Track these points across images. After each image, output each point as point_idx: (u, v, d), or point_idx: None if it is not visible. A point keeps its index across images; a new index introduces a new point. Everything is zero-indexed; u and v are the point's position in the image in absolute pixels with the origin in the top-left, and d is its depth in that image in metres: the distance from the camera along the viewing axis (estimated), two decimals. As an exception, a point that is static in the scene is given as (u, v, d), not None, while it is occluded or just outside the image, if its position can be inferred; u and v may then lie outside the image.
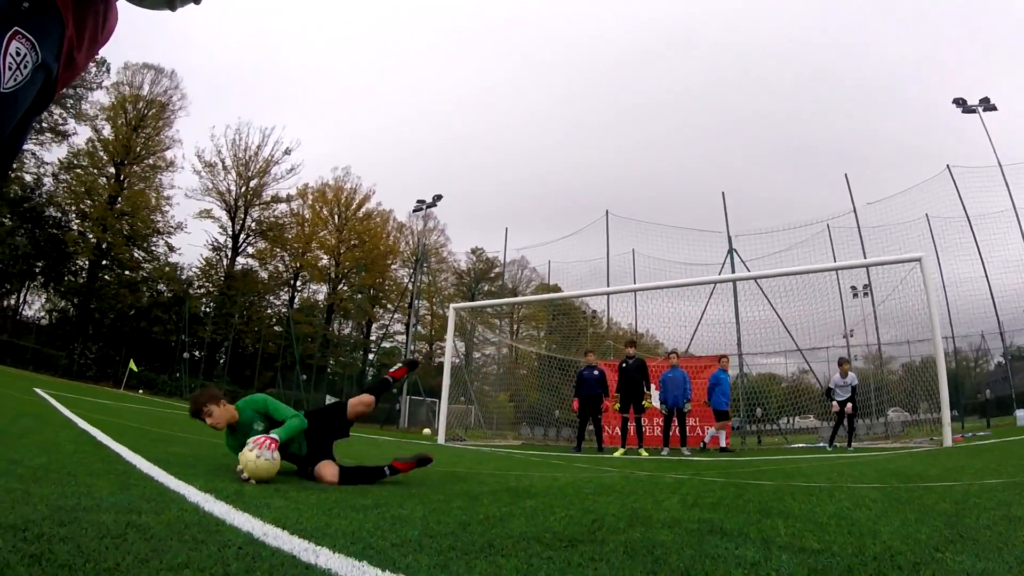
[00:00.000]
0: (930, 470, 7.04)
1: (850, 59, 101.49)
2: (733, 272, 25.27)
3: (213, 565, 2.20)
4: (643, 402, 15.12)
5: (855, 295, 26.95)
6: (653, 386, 15.48)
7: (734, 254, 25.74)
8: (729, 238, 26.17)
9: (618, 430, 16.28)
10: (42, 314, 53.47)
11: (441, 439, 18.14)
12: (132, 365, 39.30)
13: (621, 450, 14.95)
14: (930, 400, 17.24)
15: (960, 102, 30.04)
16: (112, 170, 51.29)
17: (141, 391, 39.17)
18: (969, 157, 37.88)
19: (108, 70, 50.80)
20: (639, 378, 15.20)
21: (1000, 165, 26.53)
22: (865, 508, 4.13)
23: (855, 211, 27.11)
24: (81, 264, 50.47)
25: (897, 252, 21.48)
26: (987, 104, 29.35)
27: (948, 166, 26.94)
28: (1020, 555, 2.58)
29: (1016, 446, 10.54)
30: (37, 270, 49.73)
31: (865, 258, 23.77)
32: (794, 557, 2.63)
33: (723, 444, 16.62)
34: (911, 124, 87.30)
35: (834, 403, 16.19)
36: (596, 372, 16.21)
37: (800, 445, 17.54)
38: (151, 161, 53.38)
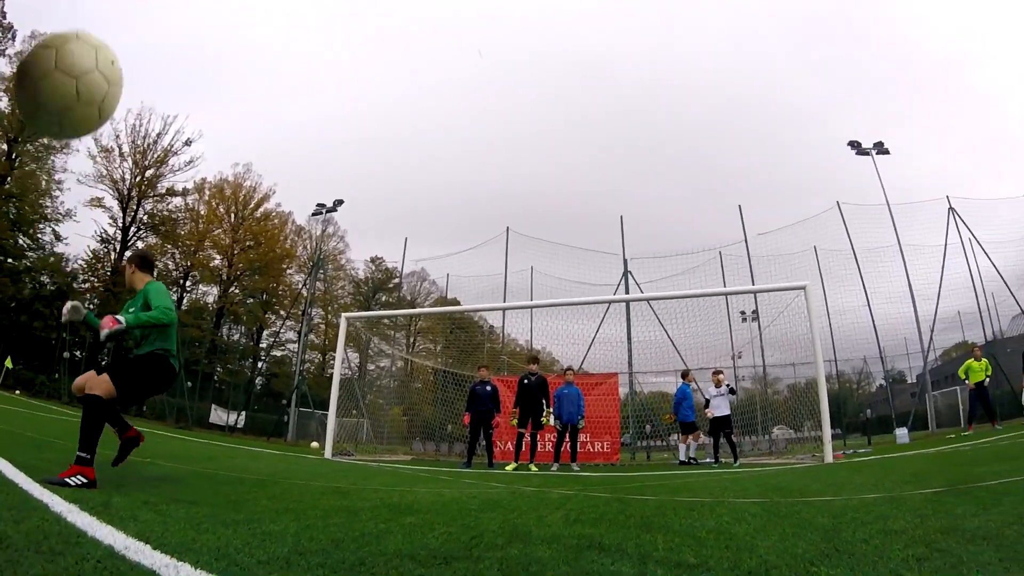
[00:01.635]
0: (811, 485, 7.21)
1: (752, 96, 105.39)
2: (628, 293, 25.76)
3: (68, 579, 2.09)
4: (542, 418, 15.13)
5: (743, 319, 27.80)
6: (550, 404, 15.44)
7: (629, 276, 26.30)
8: (625, 261, 26.76)
9: (511, 445, 16.29)
10: (-90, 303, 49.97)
11: (328, 453, 17.81)
12: (8, 362, 37.37)
13: (513, 464, 14.94)
14: (813, 419, 17.85)
15: (855, 144, 31.38)
16: (4, 147, 48.36)
17: (17, 391, 37.24)
18: (859, 195, 39.71)
19: (13, 37, 47.71)
20: (540, 395, 15.23)
21: (888, 204, 27.86)
22: (745, 523, 4.19)
23: (746, 240, 28.11)
24: (-39, 249, 47.58)
25: (785, 280, 22.40)
26: (880, 148, 30.75)
27: (838, 203, 28.21)
28: (895, 568, 2.63)
29: (895, 462, 10.96)
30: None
31: (754, 284, 24.62)
32: (670, 572, 2.66)
33: (691, 455, 17.12)
34: (806, 161, 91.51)
35: (708, 411, 16.85)
36: (489, 388, 16.22)
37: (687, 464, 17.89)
38: (46, 140, 50.54)
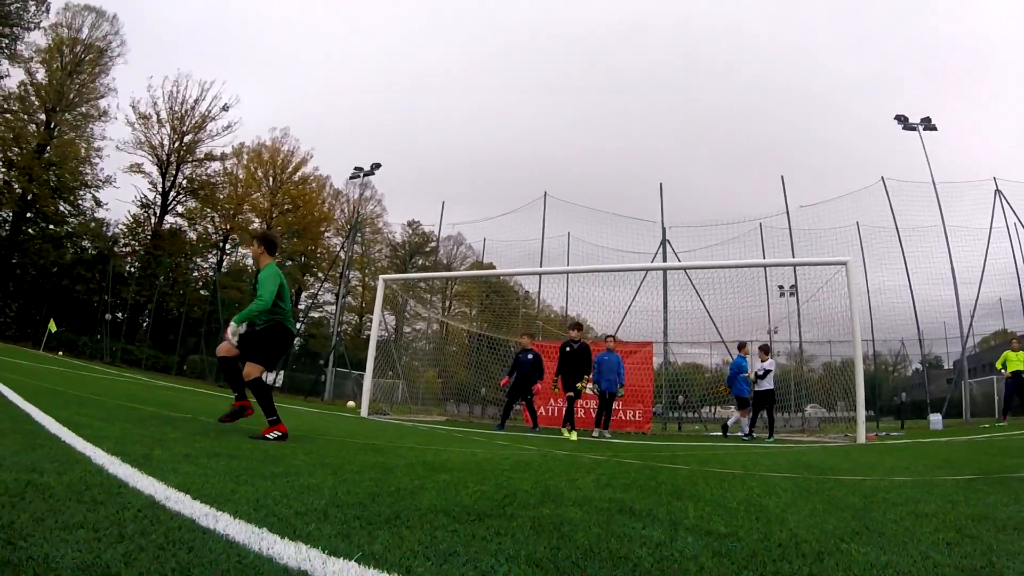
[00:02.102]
0: (842, 464, 7.16)
1: (799, 68, 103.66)
2: (665, 262, 25.53)
3: (109, 527, 2.16)
4: (578, 384, 14.52)
5: (781, 294, 27.47)
6: (590, 372, 15.06)
7: (667, 245, 26.00)
8: (663, 228, 26.43)
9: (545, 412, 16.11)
10: (-41, 270, 50.98)
11: (364, 412, 18.01)
12: (52, 325, 38.08)
13: (574, 432, 13.97)
14: (847, 399, 17.66)
15: (902, 119, 30.46)
16: (43, 117, 48.81)
17: (61, 353, 37.99)
18: (904, 172, 38.94)
19: (48, 9, 48.28)
20: (581, 363, 14.62)
21: (934, 183, 27.13)
22: (775, 496, 4.19)
23: (788, 212, 27.57)
24: (4, 216, 48.30)
25: (825, 255, 21.95)
26: (928, 124, 29.89)
27: (883, 178, 27.55)
28: (924, 551, 2.61)
29: (928, 447, 10.82)
30: (-43, 220, 47.49)
31: (794, 258, 24.28)
32: (700, 540, 2.66)
33: (745, 430, 16.58)
34: (851, 134, 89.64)
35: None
36: (531, 356, 16.29)
37: (718, 433, 17.79)
38: (84, 109, 50.94)
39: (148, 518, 2.34)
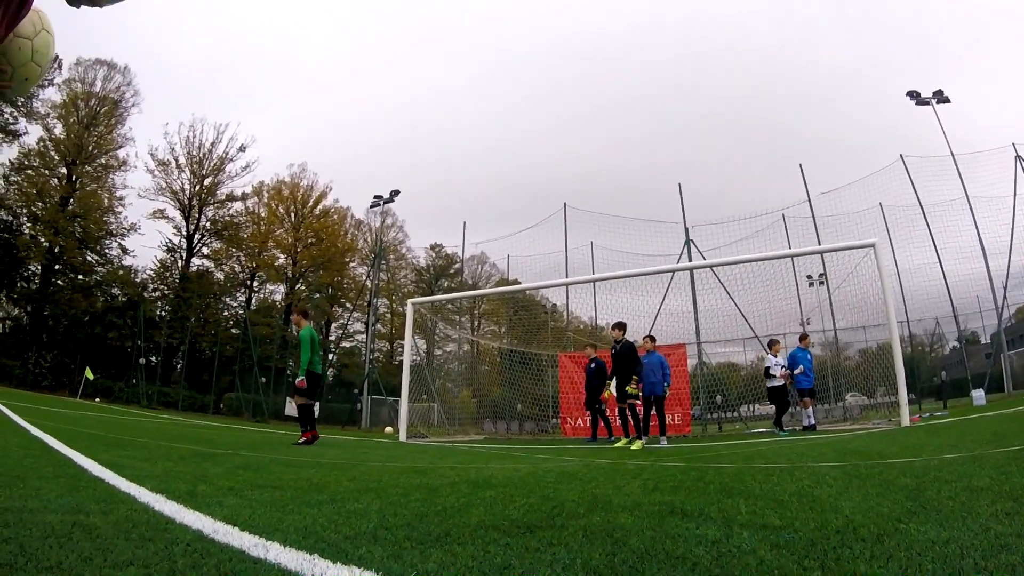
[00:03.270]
0: (889, 448, 7.09)
1: (803, 56, 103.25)
2: (691, 262, 25.40)
3: (159, 562, 2.15)
4: (627, 388, 13.44)
5: (811, 284, 27.25)
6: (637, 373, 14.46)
7: (691, 245, 25.86)
8: (686, 229, 26.29)
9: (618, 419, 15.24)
10: (-5, 323, 51.88)
11: (403, 437, 18.07)
12: (88, 373, 38.58)
13: (623, 440, 13.67)
14: (887, 384, 17.48)
15: (914, 94, 30.34)
16: (64, 170, 50.06)
17: (98, 399, 38.45)
18: (922, 147, 38.52)
19: (60, 66, 49.24)
20: (628, 362, 13.65)
21: (953, 155, 26.94)
22: (826, 486, 4.14)
23: (809, 200, 27.41)
24: (33, 269, 49.19)
25: (851, 240, 21.70)
26: (940, 96, 29.72)
27: (901, 156, 27.33)
28: (984, 523, 2.58)
29: (973, 424, 10.69)
30: (-11, 277, 48.37)
31: (820, 245, 24.06)
32: (756, 534, 2.63)
33: (813, 421, 16.38)
34: (864, 116, 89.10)
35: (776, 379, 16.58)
36: (593, 365, 16.56)
37: (760, 430, 17.64)
38: (103, 160, 52.23)
39: (198, 552, 2.33)
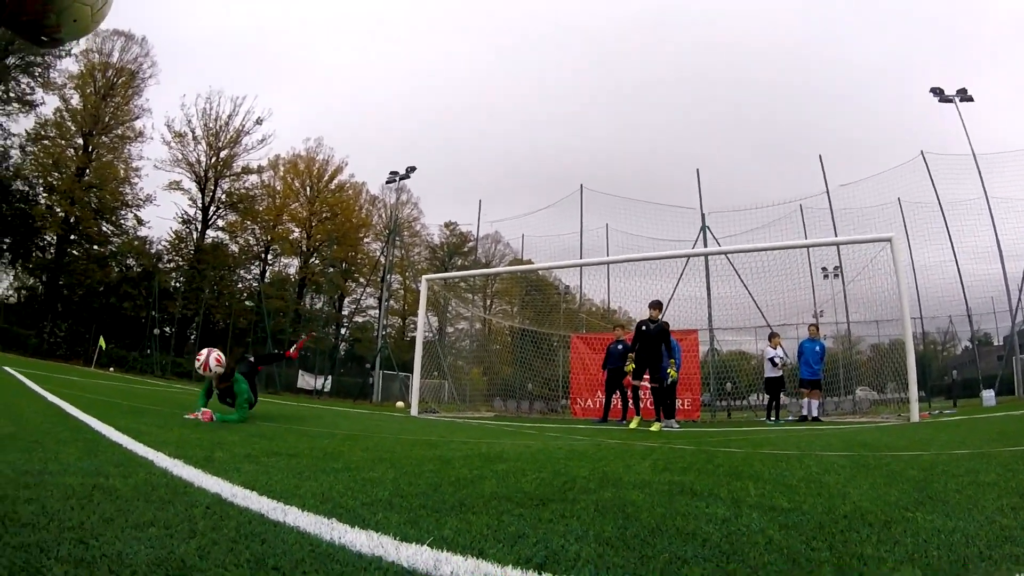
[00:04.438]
0: (898, 441, 7.11)
1: (828, 47, 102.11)
2: (706, 248, 25.30)
3: (179, 523, 2.20)
4: (668, 370, 13.37)
5: (825, 276, 27.10)
6: (670, 354, 13.69)
7: (707, 231, 25.75)
8: (702, 215, 26.15)
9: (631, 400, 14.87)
10: (10, 292, 52.09)
11: (414, 411, 18.14)
12: (101, 342, 38.85)
13: (635, 421, 13.25)
14: (897, 380, 17.35)
15: (937, 91, 29.98)
16: (80, 141, 50.10)
17: (112, 369, 38.69)
18: (943, 145, 38.12)
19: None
20: (659, 345, 13.35)
21: (974, 154, 26.63)
22: (834, 473, 4.16)
23: (828, 192, 27.22)
24: (49, 239, 49.25)
25: (868, 234, 21.57)
26: (964, 95, 29.38)
27: (922, 152, 27.06)
28: (989, 516, 2.61)
29: (982, 423, 10.68)
30: (5, 246, 48.47)
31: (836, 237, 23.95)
32: (764, 515, 2.66)
33: (813, 413, 16.47)
34: (887, 111, 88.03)
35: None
36: (620, 346, 16.28)
37: (775, 419, 17.63)
38: (120, 131, 52.24)
39: (217, 514, 2.38)
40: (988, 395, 20.79)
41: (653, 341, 13.38)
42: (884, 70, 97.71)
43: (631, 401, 14.60)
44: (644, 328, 13.61)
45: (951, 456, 5.16)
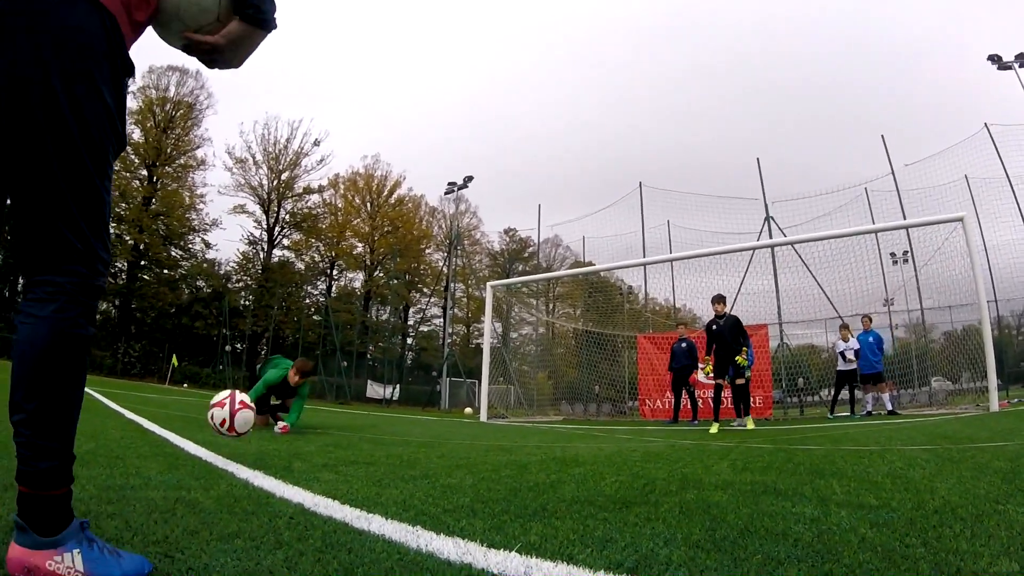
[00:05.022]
0: (980, 433, 6.96)
1: (877, 25, 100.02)
2: (771, 239, 24.86)
3: (265, 534, 2.21)
4: (737, 358, 12.66)
5: (895, 262, 26.44)
6: (749, 346, 13.31)
7: (771, 221, 25.32)
8: (766, 205, 25.72)
9: (711, 400, 13.91)
10: (86, 318, 53.41)
11: (483, 417, 18.22)
12: (174, 360, 39.88)
13: (716, 425, 12.19)
14: (973, 369, 16.90)
15: (995, 59, 29.02)
16: (144, 172, 51.69)
17: (186, 385, 39.69)
18: (1008, 115, 36.98)
19: (133, 75, 50.69)
20: (732, 338, 12.77)
21: (1040, 122, 25.80)
22: (919, 468, 4.08)
23: (893, 174, 26.48)
24: (120, 266, 50.80)
25: (937, 214, 20.99)
26: (1023, 60, 28.50)
27: (986, 124, 26.20)
28: (1087, 503, 2.51)
29: (1065, 407, 10.38)
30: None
31: (905, 220, 23.36)
32: (853, 513, 2.62)
33: (888, 406, 15.96)
34: (945, 85, 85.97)
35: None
36: (684, 344, 16.27)
37: (844, 414, 17.26)
38: (182, 161, 53.83)
39: (302, 524, 2.39)
40: (1067, 381, 20.15)
41: (727, 337, 12.75)
42: (942, 37, 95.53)
43: (700, 402, 14.45)
44: (714, 327, 13.03)
45: (1037, 445, 5.01)
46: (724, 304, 13.41)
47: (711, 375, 13.30)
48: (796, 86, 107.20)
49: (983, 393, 14.12)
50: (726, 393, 13.91)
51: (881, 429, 8.91)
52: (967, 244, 14.25)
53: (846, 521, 2.46)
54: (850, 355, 16.37)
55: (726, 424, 12.64)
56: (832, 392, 17.06)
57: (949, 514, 2.53)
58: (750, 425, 12.15)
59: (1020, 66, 28.15)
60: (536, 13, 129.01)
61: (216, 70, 2.20)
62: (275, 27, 2.16)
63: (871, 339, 16.62)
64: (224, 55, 2.12)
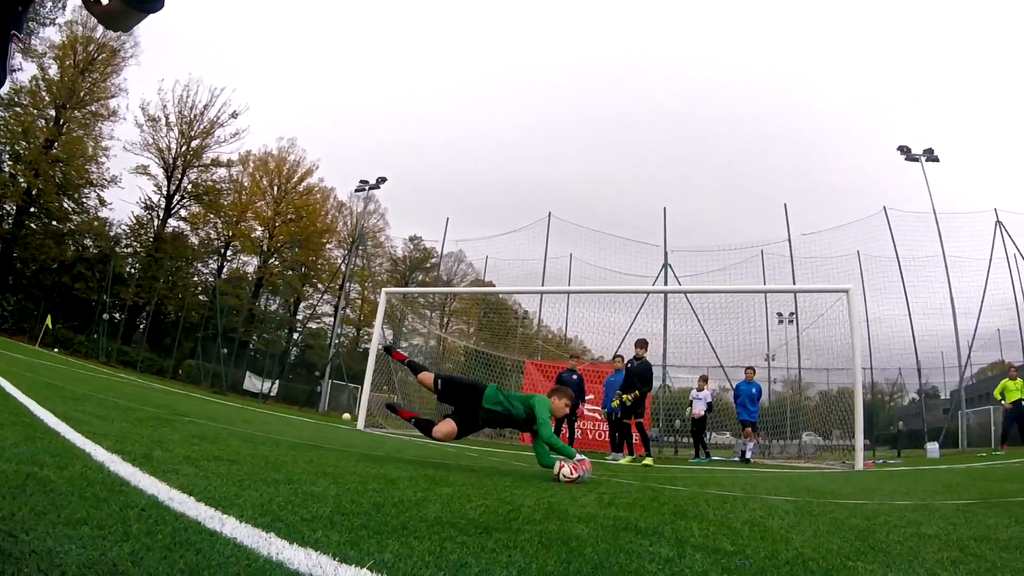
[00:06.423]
0: (842, 488, 7.19)
1: (798, 96, 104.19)
2: (667, 285, 25.51)
3: (113, 524, 2.13)
4: (624, 396, 13.89)
5: (780, 321, 27.48)
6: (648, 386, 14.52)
7: (668, 268, 26.01)
8: (665, 252, 26.44)
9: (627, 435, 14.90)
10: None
11: (361, 425, 17.99)
12: (48, 321, 38.13)
13: (628, 458, 13.61)
14: (843, 427, 17.67)
15: (904, 149, 30.73)
16: (52, 113, 49.03)
17: (56, 350, 37.92)
18: (906, 202, 39.03)
19: (64, 6, 47.79)
20: (637, 378, 13.96)
21: (935, 213, 27.29)
22: (778, 517, 4.18)
23: (790, 240, 27.64)
24: (8, 209, 48.34)
25: (826, 284, 21.98)
26: (930, 155, 30.13)
27: (885, 208, 27.65)
28: (930, 568, 2.63)
29: (926, 473, 10.85)
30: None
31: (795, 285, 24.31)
32: (708, 557, 2.65)
33: (748, 455, 16.69)
34: (853, 164, 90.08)
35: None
36: (575, 376, 16.14)
37: (717, 458, 17.78)
38: (94, 108, 51.31)
39: (153, 518, 2.31)
40: (932, 447, 21.10)
41: (632, 377, 14.02)
42: (855, 120, 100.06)
43: (578, 433, 14.78)
44: (629, 366, 14.32)
45: (893, 506, 5.22)
46: (644, 349, 14.39)
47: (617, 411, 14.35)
48: (712, 144, 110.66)
49: (850, 451, 14.70)
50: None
51: (748, 476, 9.16)
52: (849, 314, 14.92)
53: (699, 565, 2.48)
54: (699, 406, 17.20)
55: (639, 459, 13.24)
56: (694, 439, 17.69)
57: (800, 566, 2.59)
58: (624, 461, 12.67)
59: (927, 160, 29.80)
60: (470, 34, 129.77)
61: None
62: (155, 8, 2.15)
63: (753, 390, 17.22)
64: (107, 23, 2.17)
